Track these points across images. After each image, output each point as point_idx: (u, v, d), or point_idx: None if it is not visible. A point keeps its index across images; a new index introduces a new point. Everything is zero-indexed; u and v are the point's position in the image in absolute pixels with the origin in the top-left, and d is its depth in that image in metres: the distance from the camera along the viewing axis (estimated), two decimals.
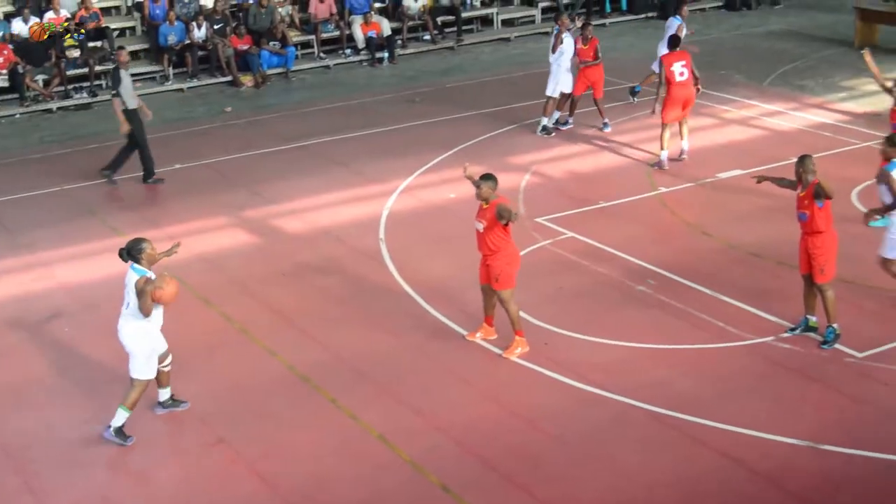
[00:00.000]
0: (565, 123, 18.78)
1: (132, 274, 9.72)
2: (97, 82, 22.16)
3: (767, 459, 9.40)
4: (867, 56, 15.30)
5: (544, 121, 18.54)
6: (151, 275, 9.74)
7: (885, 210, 11.54)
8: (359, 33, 24.66)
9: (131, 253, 9.82)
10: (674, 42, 16.80)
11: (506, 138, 18.53)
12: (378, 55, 24.46)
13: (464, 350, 11.36)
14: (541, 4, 27.36)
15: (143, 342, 9.86)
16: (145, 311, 9.63)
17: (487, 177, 10.89)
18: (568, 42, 18.03)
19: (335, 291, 12.97)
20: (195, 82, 22.96)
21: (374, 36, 24.50)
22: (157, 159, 17.05)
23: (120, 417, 9.92)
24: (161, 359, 10.07)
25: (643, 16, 27.80)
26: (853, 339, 11.15)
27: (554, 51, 18.12)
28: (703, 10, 28.42)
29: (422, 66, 24.24)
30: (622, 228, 14.47)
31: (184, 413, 10.37)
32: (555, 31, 18.28)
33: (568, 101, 18.67)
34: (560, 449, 9.65)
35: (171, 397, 10.44)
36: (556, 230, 14.41)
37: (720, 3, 28.89)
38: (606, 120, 18.52)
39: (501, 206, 10.67)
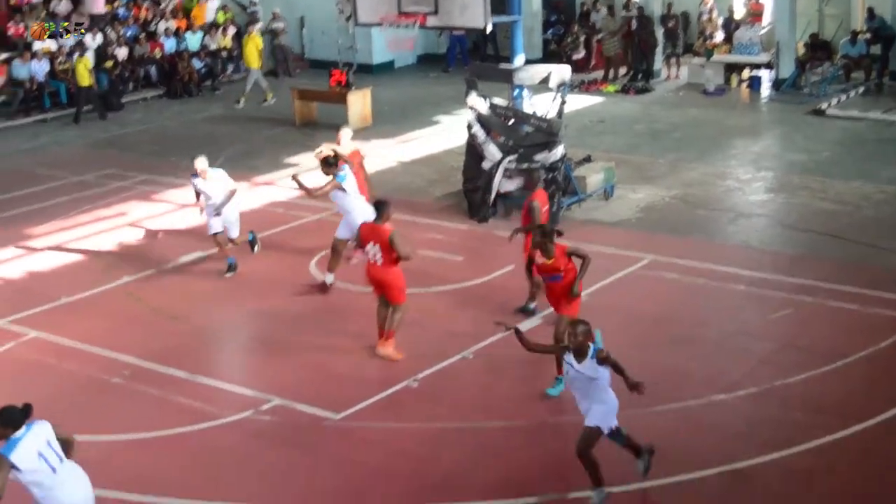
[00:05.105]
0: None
1: None
2: None
3: None
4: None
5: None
6: None
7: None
8: None
9: None
10: None
11: None
12: None
13: None
14: None
15: None
16: None
17: None
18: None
19: None
20: None
21: None
22: None
23: None
24: None
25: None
26: (329, 401, 11.58)
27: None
28: (144, 99, 28.50)
29: None
30: (89, 322, 14.01)
31: None
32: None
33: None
34: None
35: None
36: (18, 332, 13.70)
37: (161, 92, 29.03)
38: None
39: None
